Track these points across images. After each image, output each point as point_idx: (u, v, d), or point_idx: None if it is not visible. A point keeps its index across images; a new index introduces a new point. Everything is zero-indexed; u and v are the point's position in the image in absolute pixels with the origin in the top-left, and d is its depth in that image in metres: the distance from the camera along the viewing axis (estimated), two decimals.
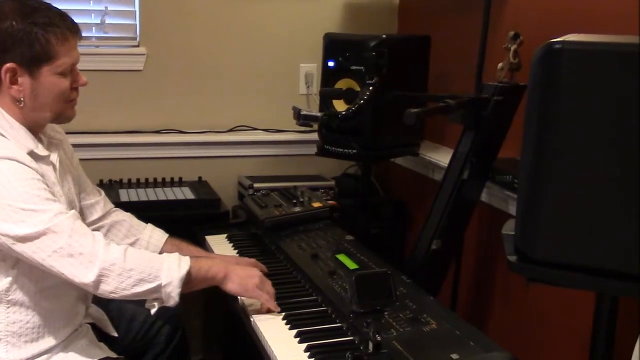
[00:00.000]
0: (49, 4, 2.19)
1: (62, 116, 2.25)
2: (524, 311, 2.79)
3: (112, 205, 2.64)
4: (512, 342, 2.68)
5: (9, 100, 2.15)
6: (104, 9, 3.52)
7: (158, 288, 2.12)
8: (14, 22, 2.08)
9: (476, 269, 3.12)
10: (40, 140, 2.24)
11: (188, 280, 2.17)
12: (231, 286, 2.28)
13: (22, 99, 2.14)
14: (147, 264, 2.12)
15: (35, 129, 2.22)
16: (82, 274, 2.04)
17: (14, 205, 2.01)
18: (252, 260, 2.61)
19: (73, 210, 2.13)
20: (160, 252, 2.57)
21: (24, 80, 2.13)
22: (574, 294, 2.39)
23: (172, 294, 2.14)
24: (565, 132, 1.51)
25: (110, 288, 2.07)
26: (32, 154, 2.15)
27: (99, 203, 2.57)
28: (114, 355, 2.35)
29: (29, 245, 2.02)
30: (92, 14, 3.51)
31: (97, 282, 2.05)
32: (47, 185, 2.12)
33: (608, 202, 1.50)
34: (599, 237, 1.52)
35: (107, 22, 3.53)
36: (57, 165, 2.28)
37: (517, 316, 2.83)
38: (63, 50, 2.14)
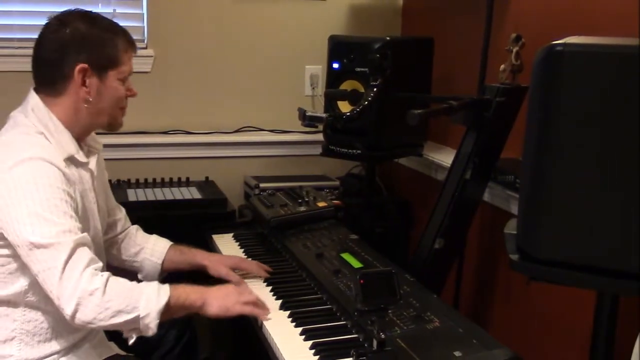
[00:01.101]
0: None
1: (115, 123, 2.32)
2: (526, 309, 2.79)
3: (130, 224, 2.67)
4: (514, 340, 2.68)
5: (70, 103, 2.19)
6: (112, 11, 3.53)
7: (136, 319, 2.07)
8: (83, 26, 2.17)
9: (479, 267, 3.12)
10: (81, 147, 2.27)
11: (167, 310, 2.12)
12: (212, 311, 2.23)
13: (90, 99, 2.19)
14: (126, 295, 2.07)
15: (81, 136, 2.26)
16: (65, 300, 2.00)
17: (30, 207, 2.01)
18: (255, 262, 2.63)
19: (85, 234, 2.10)
20: (165, 258, 2.61)
21: (91, 81, 2.18)
22: (575, 293, 2.39)
23: (150, 325, 2.09)
24: (566, 133, 1.51)
25: (87, 318, 2.02)
26: (72, 159, 2.19)
27: (120, 221, 2.62)
28: (122, 353, 2.36)
29: (30, 253, 2.02)
30: None
31: (75, 310, 2.00)
32: (74, 198, 2.13)
33: (608, 202, 1.50)
34: (600, 237, 1.52)
35: None
36: (95, 173, 2.32)
37: (519, 314, 2.83)
38: (126, 57, 2.23)
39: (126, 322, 2.07)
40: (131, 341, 2.14)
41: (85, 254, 2.06)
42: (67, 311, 2.01)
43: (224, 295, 2.27)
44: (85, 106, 2.20)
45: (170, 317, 2.18)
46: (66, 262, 2.00)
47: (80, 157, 2.23)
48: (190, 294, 2.22)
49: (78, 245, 2.04)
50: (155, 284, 2.18)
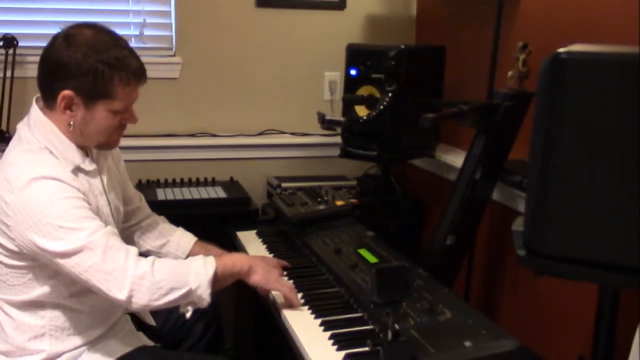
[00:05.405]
0: (125, 42, 2.15)
1: (106, 145, 2.24)
2: (532, 302, 2.78)
3: (150, 211, 2.65)
4: (521, 331, 2.68)
5: (61, 119, 2.12)
6: (142, 21, 3.55)
7: (189, 293, 2.08)
8: (84, 55, 2.03)
9: (488, 262, 3.12)
10: (89, 151, 2.24)
11: (216, 279, 2.14)
12: (255, 277, 2.27)
13: (71, 124, 2.11)
14: (174, 272, 2.09)
15: (84, 145, 2.20)
16: (116, 289, 2.00)
17: (53, 223, 1.99)
18: (275, 259, 2.63)
19: (109, 227, 2.09)
20: (189, 254, 2.58)
21: (78, 109, 2.09)
22: (579, 286, 2.39)
23: (204, 296, 2.11)
24: (570, 136, 1.51)
25: (142, 302, 2.03)
26: (78, 169, 2.14)
27: (139, 209, 2.60)
28: (151, 343, 2.36)
29: (67, 260, 2.01)
30: (132, 26, 3.55)
31: (130, 297, 2.01)
32: (89, 202, 2.11)
33: (610, 202, 1.50)
34: (602, 233, 1.52)
35: (145, 33, 3.56)
36: (105, 176, 2.28)
37: (526, 306, 2.83)
38: (123, 92, 2.11)
39: (180, 298, 2.08)
40: (188, 314, 2.15)
41: (117, 242, 2.06)
42: (122, 298, 2.02)
43: (268, 269, 2.33)
44: (70, 128, 2.12)
45: (220, 286, 2.20)
46: (104, 256, 2.00)
47: (86, 165, 2.18)
48: (237, 261, 2.27)
49: (108, 237, 2.04)
50: (200, 257, 2.20)
